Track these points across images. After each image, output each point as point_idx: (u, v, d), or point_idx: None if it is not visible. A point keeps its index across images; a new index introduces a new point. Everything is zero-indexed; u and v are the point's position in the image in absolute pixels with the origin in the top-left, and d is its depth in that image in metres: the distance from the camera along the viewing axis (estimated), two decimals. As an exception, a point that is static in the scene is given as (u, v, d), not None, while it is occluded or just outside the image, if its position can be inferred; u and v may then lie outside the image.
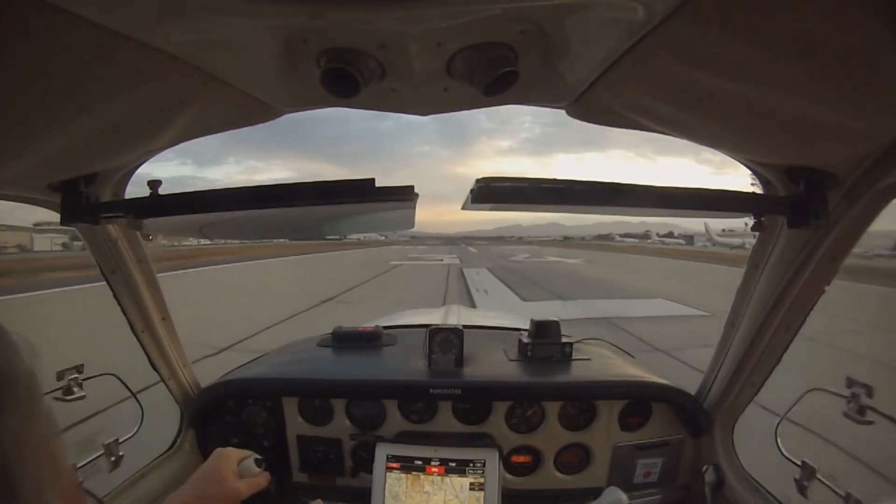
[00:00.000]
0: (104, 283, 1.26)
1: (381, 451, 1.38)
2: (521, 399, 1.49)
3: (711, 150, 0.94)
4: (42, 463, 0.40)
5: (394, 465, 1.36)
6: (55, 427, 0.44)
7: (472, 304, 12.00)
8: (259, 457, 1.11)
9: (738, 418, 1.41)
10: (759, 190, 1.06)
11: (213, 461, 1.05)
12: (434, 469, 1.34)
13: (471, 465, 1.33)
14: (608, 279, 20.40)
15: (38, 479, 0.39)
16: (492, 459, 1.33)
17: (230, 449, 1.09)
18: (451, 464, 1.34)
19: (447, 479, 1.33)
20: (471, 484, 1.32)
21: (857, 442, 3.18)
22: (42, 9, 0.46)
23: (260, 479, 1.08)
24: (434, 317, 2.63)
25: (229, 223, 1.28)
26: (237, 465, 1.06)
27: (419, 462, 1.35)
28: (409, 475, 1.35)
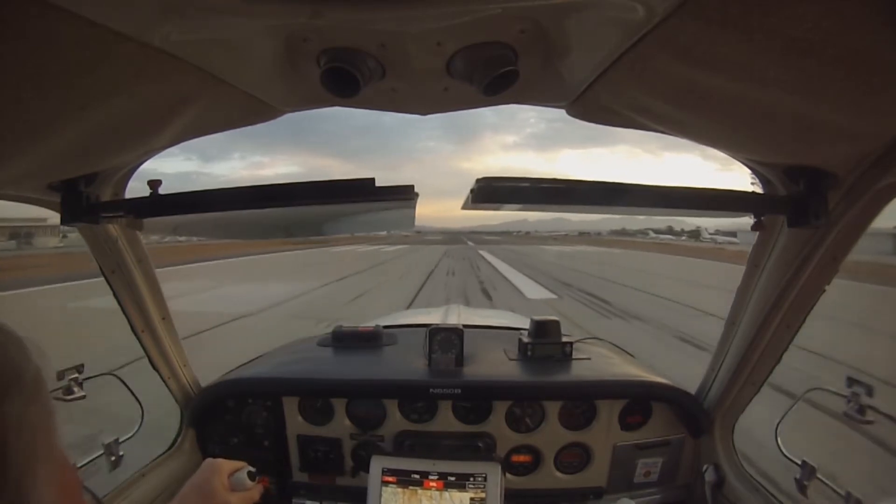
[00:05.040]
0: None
1: (377, 464, 1.33)
2: (522, 398, 1.49)
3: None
4: (36, 446, 0.45)
5: (390, 478, 1.32)
6: (54, 420, 0.49)
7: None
8: (252, 469, 1.05)
9: (738, 418, 1.41)
10: (759, 189, 1.07)
11: (202, 474, 1.00)
12: (432, 483, 1.30)
13: (471, 479, 1.29)
14: None
15: (31, 459, 0.44)
16: (493, 473, 1.29)
17: (221, 460, 1.03)
18: (450, 478, 1.30)
19: (446, 494, 1.29)
20: (471, 499, 1.28)
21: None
22: (42, 9, 0.46)
23: (253, 492, 1.02)
24: (434, 316, 2.63)
25: (229, 223, 1.28)
26: (228, 478, 1.01)
27: (416, 476, 1.31)
28: (405, 490, 1.31)
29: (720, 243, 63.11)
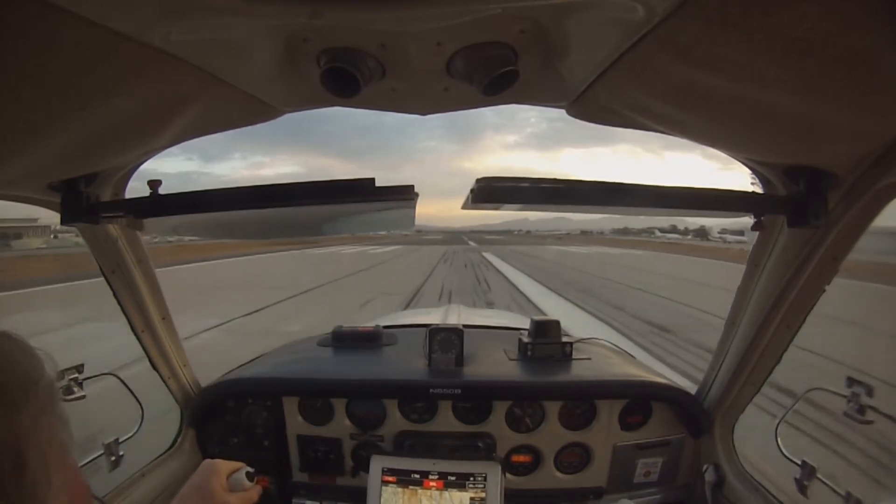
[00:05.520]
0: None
1: (377, 464, 1.33)
2: (522, 398, 1.49)
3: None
4: (51, 455, 0.46)
5: (390, 478, 1.32)
6: (67, 429, 0.50)
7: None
8: (251, 469, 1.05)
9: (738, 418, 1.41)
10: (759, 189, 1.07)
11: (201, 475, 1.00)
12: (432, 483, 1.30)
13: (471, 478, 1.29)
14: None
15: (46, 467, 0.45)
16: (493, 473, 1.29)
17: (219, 461, 1.03)
18: (450, 477, 1.30)
19: (446, 494, 1.29)
20: (471, 499, 1.28)
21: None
22: (42, 9, 0.46)
23: (252, 493, 1.02)
24: (434, 316, 2.63)
25: (229, 223, 1.28)
26: (227, 479, 1.01)
27: (416, 476, 1.31)
28: (405, 489, 1.31)
29: (730, 242, 58.58)
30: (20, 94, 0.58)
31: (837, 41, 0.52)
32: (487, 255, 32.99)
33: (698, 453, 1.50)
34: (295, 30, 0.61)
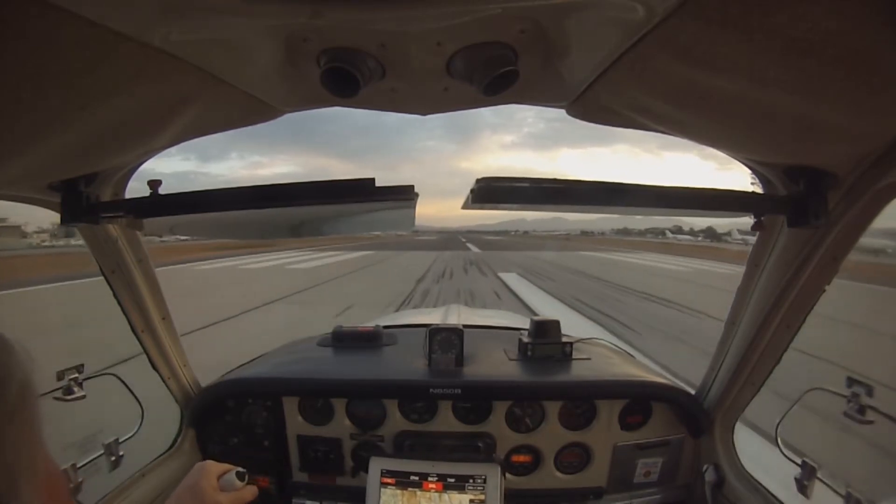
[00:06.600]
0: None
1: (376, 466, 1.33)
2: (522, 398, 1.49)
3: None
4: (19, 462, 0.44)
5: (388, 480, 1.31)
6: (39, 433, 0.48)
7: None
8: (242, 470, 1.05)
9: (738, 418, 1.41)
10: (759, 189, 1.07)
11: (192, 476, 1.01)
12: (431, 485, 1.30)
13: (471, 480, 1.29)
14: None
15: (13, 476, 0.43)
16: (493, 475, 1.29)
17: (210, 462, 1.04)
18: (449, 479, 1.29)
19: (445, 496, 1.29)
20: (470, 501, 1.28)
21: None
22: (42, 9, 0.46)
23: (245, 492, 1.02)
24: (434, 316, 2.64)
25: (229, 223, 1.28)
26: (217, 480, 1.01)
27: (415, 477, 1.31)
28: (404, 491, 1.30)
29: (751, 245, 57.37)
30: (20, 94, 0.58)
31: (837, 41, 0.52)
32: (512, 282, 16.95)
33: (698, 453, 1.50)
34: (295, 30, 0.61)
